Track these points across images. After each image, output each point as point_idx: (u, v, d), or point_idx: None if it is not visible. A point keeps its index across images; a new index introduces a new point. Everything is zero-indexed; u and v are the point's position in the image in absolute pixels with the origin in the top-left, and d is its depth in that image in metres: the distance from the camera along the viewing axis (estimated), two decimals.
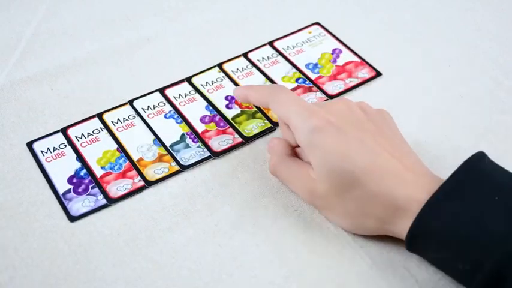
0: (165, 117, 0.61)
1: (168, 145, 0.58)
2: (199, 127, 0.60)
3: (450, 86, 0.65)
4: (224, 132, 0.60)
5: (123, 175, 0.56)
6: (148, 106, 0.61)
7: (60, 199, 0.55)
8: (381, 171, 0.47)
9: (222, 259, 0.51)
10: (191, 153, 0.58)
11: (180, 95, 0.63)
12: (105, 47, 0.68)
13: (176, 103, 0.62)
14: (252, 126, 0.60)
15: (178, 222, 0.53)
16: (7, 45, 0.68)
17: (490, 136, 0.60)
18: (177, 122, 0.60)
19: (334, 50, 0.68)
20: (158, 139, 0.59)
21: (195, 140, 0.59)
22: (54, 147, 0.58)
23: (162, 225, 0.53)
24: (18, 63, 0.66)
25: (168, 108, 0.61)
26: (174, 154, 0.57)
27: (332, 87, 0.64)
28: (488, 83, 0.65)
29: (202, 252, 0.51)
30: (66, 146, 0.59)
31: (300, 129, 0.49)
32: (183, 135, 0.59)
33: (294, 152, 0.54)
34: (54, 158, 0.58)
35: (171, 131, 0.60)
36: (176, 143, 0.58)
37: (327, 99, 0.63)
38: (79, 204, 0.54)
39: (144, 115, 0.61)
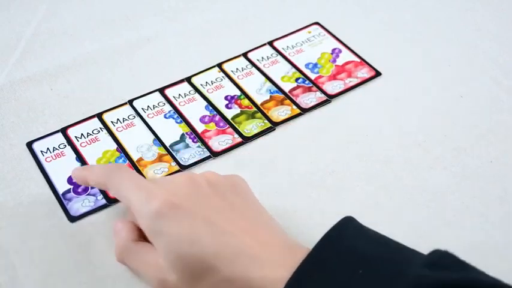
0: (165, 117, 0.61)
1: (167, 145, 0.58)
2: (199, 127, 0.60)
3: (450, 86, 0.65)
4: (224, 132, 0.60)
5: None
6: (148, 106, 0.61)
7: (60, 199, 0.55)
8: (234, 252, 0.42)
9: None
10: (191, 153, 0.58)
11: (179, 94, 0.63)
12: (105, 47, 0.68)
13: (176, 103, 0.62)
14: (251, 126, 0.60)
15: None
16: (7, 45, 0.68)
17: (490, 136, 0.60)
18: (176, 122, 0.60)
19: (333, 50, 0.68)
20: (158, 139, 0.59)
21: (195, 140, 0.59)
22: (54, 147, 0.58)
23: None
24: (18, 63, 0.66)
25: (167, 108, 0.61)
26: (174, 154, 0.57)
27: (332, 87, 0.64)
28: (488, 83, 0.65)
29: None
30: (66, 146, 0.59)
31: (140, 214, 0.44)
32: (182, 135, 0.59)
33: (141, 235, 0.48)
34: (54, 158, 0.58)
35: (171, 131, 0.60)
36: (176, 143, 0.58)
37: (327, 100, 0.63)
38: (79, 204, 0.54)
39: (144, 115, 0.61)
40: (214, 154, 0.58)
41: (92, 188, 0.55)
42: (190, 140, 0.59)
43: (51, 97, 0.63)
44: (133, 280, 0.49)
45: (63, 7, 0.73)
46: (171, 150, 0.58)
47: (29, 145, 0.58)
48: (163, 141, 0.59)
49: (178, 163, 0.57)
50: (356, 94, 0.64)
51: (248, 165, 0.57)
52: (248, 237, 0.43)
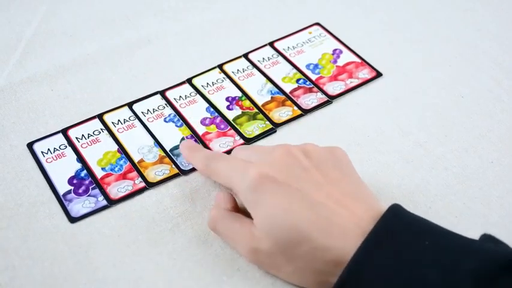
0: (165, 120, 0.61)
1: (167, 149, 0.58)
2: (200, 129, 0.60)
3: (450, 86, 0.65)
4: (225, 134, 0.60)
5: (123, 176, 0.56)
6: (148, 110, 0.61)
7: (61, 200, 0.54)
8: (327, 223, 0.44)
9: (223, 260, 0.51)
10: None
11: (180, 96, 0.63)
12: (105, 47, 0.68)
13: (177, 105, 0.62)
14: (253, 128, 0.60)
15: (179, 224, 0.53)
16: (7, 45, 0.68)
17: (491, 136, 0.60)
18: (176, 126, 0.60)
19: (334, 51, 0.68)
20: (158, 143, 0.59)
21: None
22: (54, 148, 0.58)
23: (163, 227, 0.53)
24: (18, 64, 0.66)
25: (168, 111, 0.61)
26: (174, 159, 0.57)
27: (333, 88, 0.64)
28: (488, 83, 0.65)
29: (203, 254, 0.51)
30: (66, 146, 0.58)
31: (240, 189, 0.47)
32: (182, 139, 0.59)
33: (237, 207, 0.51)
34: (55, 158, 0.57)
35: (171, 135, 0.59)
36: (176, 147, 0.58)
37: (328, 101, 0.63)
38: (79, 205, 0.54)
39: (144, 119, 0.61)
40: None
41: (94, 188, 0.55)
42: None
43: (52, 98, 0.63)
44: (134, 281, 0.49)
45: (63, 7, 0.73)
46: (171, 155, 0.58)
47: (30, 146, 0.58)
48: (163, 145, 0.58)
49: (178, 167, 0.57)
50: (357, 95, 0.64)
51: None
52: (342, 209, 0.44)
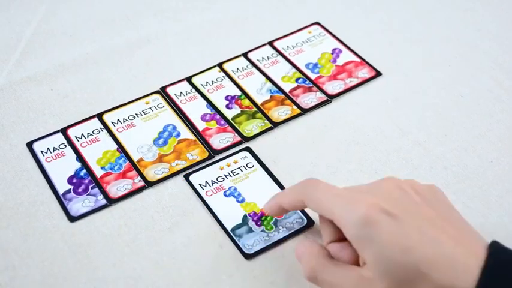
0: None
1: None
2: (200, 125, 0.60)
3: (450, 86, 0.65)
4: (225, 130, 0.60)
5: (123, 175, 0.56)
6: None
7: (60, 199, 0.54)
8: (448, 261, 0.41)
9: (223, 259, 0.51)
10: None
11: (181, 93, 0.63)
12: (105, 47, 0.68)
13: (177, 101, 0.62)
14: (252, 126, 0.60)
15: (179, 223, 0.53)
16: (7, 45, 0.68)
17: (491, 136, 0.60)
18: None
19: (334, 50, 0.68)
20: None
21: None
22: (54, 147, 0.58)
23: (162, 226, 0.53)
24: (18, 63, 0.66)
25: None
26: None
27: (332, 87, 0.64)
28: (488, 83, 0.65)
29: (203, 253, 0.51)
30: (66, 146, 0.58)
31: (347, 223, 0.43)
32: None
33: (327, 252, 0.47)
34: (54, 158, 0.58)
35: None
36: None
37: (327, 100, 0.63)
38: (79, 204, 0.54)
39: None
40: (215, 152, 0.58)
41: (93, 188, 0.55)
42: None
43: (51, 97, 0.63)
44: (133, 280, 0.49)
45: (63, 7, 0.73)
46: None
47: (29, 145, 0.58)
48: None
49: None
50: (356, 94, 0.64)
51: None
52: (458, 245, 0.42)
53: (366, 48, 0.68)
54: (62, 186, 0.55)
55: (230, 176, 0.56)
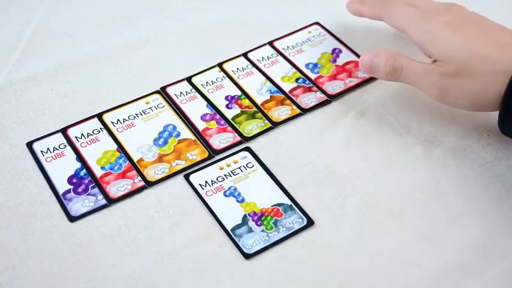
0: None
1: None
2: (200, 125, 0.60)
3: None
4: (225, 130, 0.60)
5: (123, 175, 0.56)
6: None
7: (60, 199, 0.54)
8: (502, 47, 0.53)
9: (222, 259, 0.51)
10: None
11: (181, 93, 0.63)
12: (105, 47, 0.68)
13: (177, 101, 0.62)
14: (252, 126, 0.60)
15: (179, 222, 0.53)
16: (7, 45, 0.68)
17: (490, 135, 0.60)
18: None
19: (334, 50, 0.68)
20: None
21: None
22: (54, 147, 0.58)
23: (162, 226, 0.53)
24: (18, 63, 0.66)
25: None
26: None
27: (332, 87, 0.64)
28: None
29: (203, 252, 0.51)
30: (66, 146, 0.59)
31: (412, 30, 0.57)
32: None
33: None
34: (54, 158, 0.58)
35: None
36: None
37: (327, 100, 0.63)
38: (79, 204, 0.54)
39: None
40: (215, 152, 0.58)
41: (93, 188, 0.55)
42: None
43: (51, 97, 0.63)
44: (133, 280, 0.49)
45: (63, 7, 0.73)
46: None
47: (29, 145, 0.58)
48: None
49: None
50: (356, 94, 0.64)
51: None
52: (508, 34, 0.55)
53: (366, 48, 0.68)
54: (62, 186, 0.55)
55: (230, 176, 0.56)
